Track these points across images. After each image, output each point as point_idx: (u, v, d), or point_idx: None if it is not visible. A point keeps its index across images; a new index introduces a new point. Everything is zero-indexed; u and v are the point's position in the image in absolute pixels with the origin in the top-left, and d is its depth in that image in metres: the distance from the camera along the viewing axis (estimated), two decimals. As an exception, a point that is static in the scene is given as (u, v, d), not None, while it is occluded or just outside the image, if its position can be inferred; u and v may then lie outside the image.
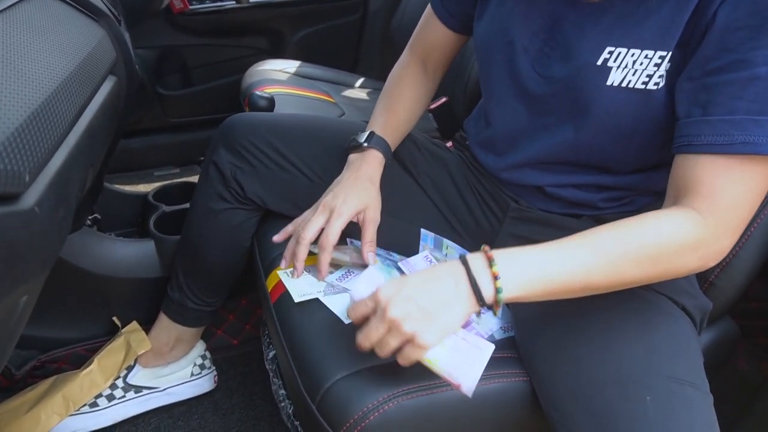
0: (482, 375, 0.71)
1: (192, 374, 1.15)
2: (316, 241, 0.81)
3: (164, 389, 1.13)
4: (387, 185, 0.88)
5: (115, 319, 1.17)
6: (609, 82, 0.70)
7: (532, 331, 0.75)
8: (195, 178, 1.12)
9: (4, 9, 0.58)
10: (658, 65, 0.67)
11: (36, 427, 1.00)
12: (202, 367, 1.17)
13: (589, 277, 0.61)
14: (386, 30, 1.99)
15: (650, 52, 0.67)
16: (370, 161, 0.87)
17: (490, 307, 0.62)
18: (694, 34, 0.64)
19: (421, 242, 0.94)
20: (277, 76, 1.73)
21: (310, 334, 0.78)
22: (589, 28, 0.71)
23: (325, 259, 0.80)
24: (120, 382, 1.08)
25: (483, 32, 0.85)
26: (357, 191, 0.82)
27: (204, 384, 1.18)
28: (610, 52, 0.69)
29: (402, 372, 0.71)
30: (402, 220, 0.94)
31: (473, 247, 0.93)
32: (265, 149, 0.93)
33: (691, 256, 0.62)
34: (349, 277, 0.86)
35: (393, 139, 0.91)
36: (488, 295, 0.61)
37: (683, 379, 0.66)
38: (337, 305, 0.80)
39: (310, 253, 0.82)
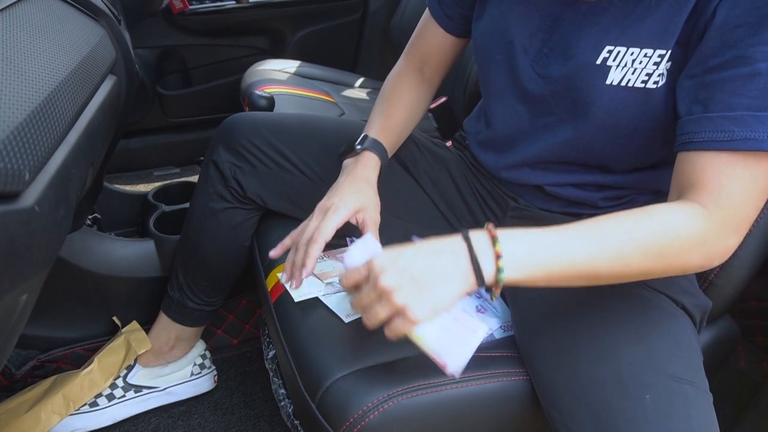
0: (483, 374, 0.72)
1: (192, 374, 1.15)
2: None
3: (164, 389, 1.13)
4: (387, 185, 0.88)
5: (115, 318, 1.17)
6: (608, 81, 0.70)
7: (531, 330, 0.75)
8: (195, 178, 1.13)
9: (4, 8, 0.58)
10: (657, 64, 0.67)
11: (36, 426, 1.00)
12: (202, 366, 1.17)
13: (593, 265, 0.60)
14: (386, 30, 1.99)
15: (649, 51, 0.67)
16: (365, 163, 0.85)
17: (488, 289, 0.60)
18: (693, 32, 0.64)
19: None
20: (277, 75, 1.73)
21: (309, 333, 0.78)
22: (588, 28, 0.72)
23: (314, 252, 0.75)
24: (120, 382, 1.08)
25: (482, 32, 0.84)
26: (353, 192, 0.81)
27: (204, 383, 1.18)
28: (609, 51, 0.69)
29: (402, 371, 0.71)
30: (402, 220, 0.94)
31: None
32: (264, 149, 0.93)
33: (696, 252, 0.61)
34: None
35: (389, 143, 0.89)
36: (489, 274, 0.58)
37: (683, 378, 0.66)
38: (337, 305, 0.80)
39: None
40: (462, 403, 0.71)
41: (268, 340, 1.04)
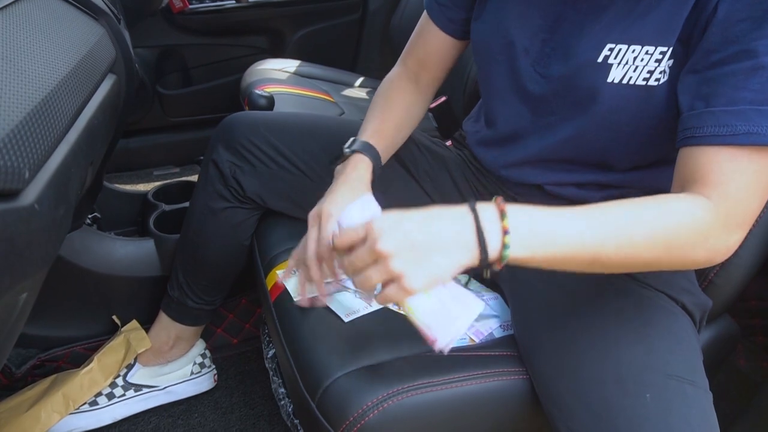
0: (482, 373, 0.72)
1: (192, 373, 1.15)
2: None
3: (164, 388, 1.13)
4: (387, 185, 0.88)
5: (114, 317, 1.17)
6: (609, 79, 0.70)
7: (531, 329, 0.75)
8: (195, 178, 1.13)
9: (4, 7, 0.58)
10: (659, 61, 0.67)
11: (36, 425, 1.00)
12: (201, 365, 1.17)
13: (601, 250, 0.58)
14: (386, 29, 1.99)
15: (651, 48, 0.67)
16: (355, 164, 0.82)
17: (490, 264, 0.57)
18: (695, 28, 0.64)
19: None
20: (276, 75, 1.73)
21: (309, 332, 0.78)
22: (589, 26, 0.71)
23: (315, 272, 0.74)
24: (120, 381, 1.08)
25: (482, 33, 0.84)
26: (345, 192, 0.78)
27: (204, 383, 1.18)
28: (611, 49, 0.69)
29: (401, 370, 0.71)
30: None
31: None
32: (264, 148, 0.93)
33: (701, 246, 0.60)
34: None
35: (381, 146, 0.86)
36: (494, 249, 0.55)
37: (683, 377, 0.66)
38: (337, 304, 0.80)
39: None
40: (461, 402, 0.71)
41: (267, 339, 1.04)
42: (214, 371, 1.20)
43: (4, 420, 0.99)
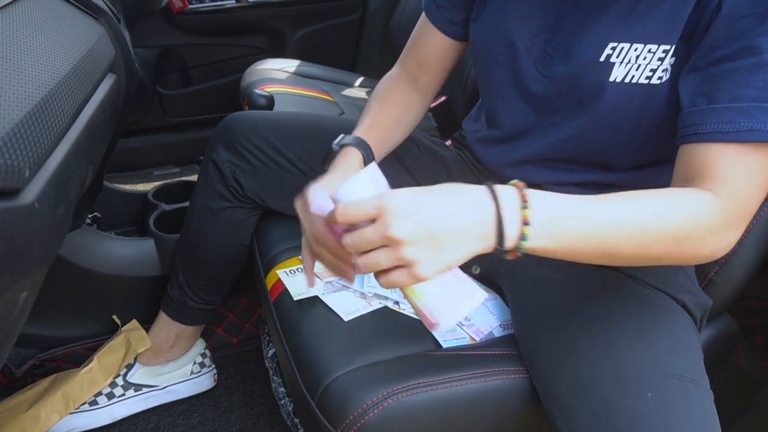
0: (483, 372, 0.72)
1: (192, 372, 1.15)
2: None
3: (164, 387, 1.13)
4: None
5: (114, 317, 1.17)
6: (612, 78, 0.70)
7: (531, 329, 0.75)
8: (195, 178, 1.13)
9: (4, 6, 0.58)
10: (661, 59, 0.67)
11: (36, 425, 1.00)
12: (201, 365, 1.17)
13: (617, 243, 0.57)
14: (385, 29, 1.99)
15: (653, 47, 0.67)
16: (345, 155, 0.80)
17: (505, 252, 0.55)
18: (698, 25, 0.64)
19: None
20: (276, 75, 1.73)
21: (309, 331, 0.78)
22: (591, 25, 0.71)
23: (309, 266, 0.71)
24: (120, 380, 1.08)
25: (482, 34, 0.84)
26: (333, 177, 0.75)
27: (204, 382, 1.18)
28: (613, 48, 0.69)
29: (401, 369, 0.71)
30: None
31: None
32: (264, 148, 0.93)
33: (709, 241, 0.60)
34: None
35: (374, 140, 0.84)
36: (511, 239, 0.54)
37: (683, 376, 0.66)
38: (337, 303, 0.81)
39: None
40: (461, 401, 0.71)
41: (267, 338, 1.04)
42: (214, 371, 1.20)
43: (3, 420, 0.99)
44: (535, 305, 0.77)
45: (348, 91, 1.79)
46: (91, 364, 1.06)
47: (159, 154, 1.96)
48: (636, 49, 0.68)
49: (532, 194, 0.55)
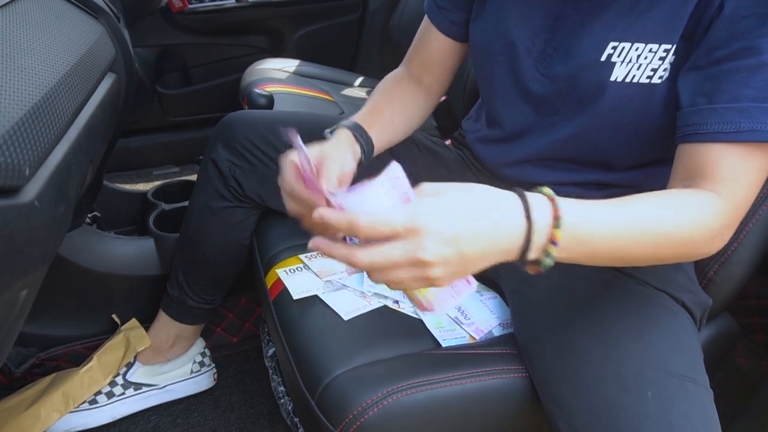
0: (482, 371, 0.72)
1: (191, 371, 1.15)
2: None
3: (164, 386, 1.13)
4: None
5: (114, 316, 1.17)
6: (613, 78, 0.70)
7: (531, 328, 0.75)
8: (194, 177, 1.13)
9: (4, 5, 0.58)
10: (662, 58, 0.67)
11: (36, 424, 1.00)
12: (201, 364, 1.17)
13: (632, 252, 0.58)
14: (385, 29, 1.99)
15: (654, 46, 0.67)
16: (338, 134, 0.79)
17: (523, 262, 0.54)
18: (699, 25, 0.64)
19: None
20: (276, 74, 1.73)
21: (309, 330, 0.78)
22: (591, 25, 0.71)
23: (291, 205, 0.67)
24: (120, 380, 1.08)
25: (481, 34, 0.84)
26: (315, 147, 0.72)
27: (203, 381, 1.18)
28: (614, 48, 0.69)
29: (401, 368, 0.71)
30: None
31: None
32: (263, 147, 0.93)
33: (711, 241, 0.62)
34: (348, 275, 0.86)
35: (374, 127, 0.82)
36: (534, 257, 0.53)
37: (683, 375, 0.66)
38: (336, 302, 0.81)
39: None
40: (461, 400, 0.71)
41: (267, 337, 1.04)
42: (214, 370, 1.20)
43: (3, 419, 0.99)
44: (535, 305, 0.77)
45: (348, 91, 1.79)
46: (90, 363, 1.06)
47: (159, 154, 1.97)
48: (637, 49, 0.68)
49: (565, 211, 0.53)
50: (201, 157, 1.03)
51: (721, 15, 0.61)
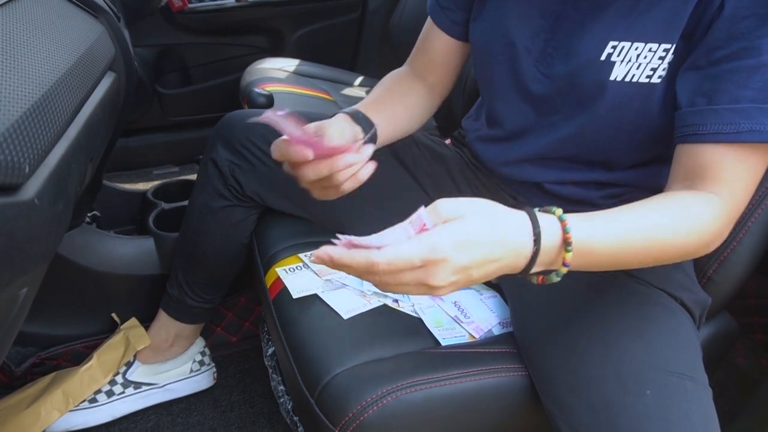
0: (482, 370, 0.72)
1: (191, 371, 1.15)
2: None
3: (163, 385, 1.13)
4: (387, 184, 0.88)
5: (114, 315, 1.17)
6: (612, 77, 0.70)
7: (531, 327, 0.75)
8: (194, 177, 1.13)
9: (4, 4, 0.58)
10: (662, 58, 0.67)
11: (36, 422, 1.00)
12: (201, 363, 1.17)
13: (634, 260, 0.60)
14: (385, 28, 1.99)
15: (654, 45, 0.67)
16: (334, 118, 0.78)
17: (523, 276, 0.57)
18: (698, 25, 0.64)
19: None
20: (276, 74, 1.73)
21: (308, 329, 0.78)
22: (591, 25, 0.71)
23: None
24: (119, 378, 1.08)
25: (482, 33, 0.84)
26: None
27: (203, 380, 1.18)
28: (614, 47, 0.69)
29: (400, 367, 0.71)
30: (402, 219, 0.94)
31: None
32: (263, 146, 0.92)
33: (711, 241, 0.63)
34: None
35: (376, 114, 0.82)
36: (537, 272, 0.56)
37: (682, 374, 0.66)
38: (336, 301, 0.81)
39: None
40: (460, 399, 0.71)
41: (267, 337, 1.04)
42: (214, 369, 1.20)
43: (3, 417, 0.99)
44: (534, 305, 0.77)
45: (347, 91, 1.79)
46: (90, 362, 1.06)
47: (158, 153, 1.96)
48: (637, 48, 0.68)
49: (574, 234, 0.54)
50: (201, 157, 1.03)
51: (721, 15, 0.61)
